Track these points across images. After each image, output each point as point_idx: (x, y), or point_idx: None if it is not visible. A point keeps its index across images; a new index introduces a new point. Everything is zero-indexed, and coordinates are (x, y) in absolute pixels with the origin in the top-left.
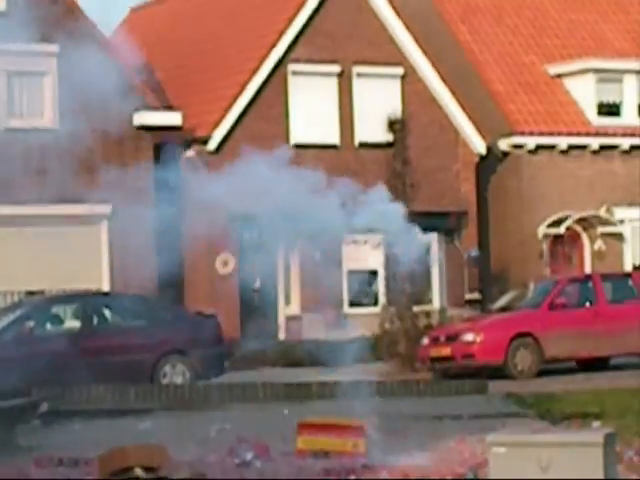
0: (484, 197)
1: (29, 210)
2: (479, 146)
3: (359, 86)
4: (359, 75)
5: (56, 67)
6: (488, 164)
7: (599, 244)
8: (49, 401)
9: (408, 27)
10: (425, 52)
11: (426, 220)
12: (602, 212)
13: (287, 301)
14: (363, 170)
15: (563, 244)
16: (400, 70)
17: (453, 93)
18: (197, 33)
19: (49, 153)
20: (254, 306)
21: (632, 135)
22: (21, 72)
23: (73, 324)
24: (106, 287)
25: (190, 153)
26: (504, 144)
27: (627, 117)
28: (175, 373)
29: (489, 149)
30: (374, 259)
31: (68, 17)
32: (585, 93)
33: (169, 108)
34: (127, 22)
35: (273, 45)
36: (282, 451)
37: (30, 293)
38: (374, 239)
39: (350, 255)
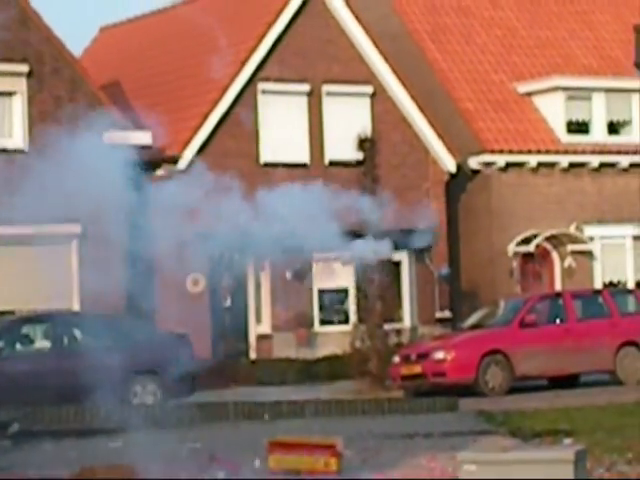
0: (454, 215)
1: None
2: (449, 164)
3: (329, 105)
4: (329, 94)
5: (25, 87)
6: (458, 182)
7: (569, 261)
8: (19, 421)
9: (378, 46)
10: (395, 71)
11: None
12: (572, 230)
13: (258, 320)
14: (333, 189)
15: (533, 262)
16: (370, 89)
17: (423, 111)
18: (167, 51)
19: (18, 173)
20: (225, 325)
21: (601, 153)
22: None
23: (43, 344)
24: (76, 307)
25: (160, 172)
26: (474, 162)
27: (596, 135)
28: (146, 393)
29: (459, 167)
30: (345, 277)
31: (37, 37)
32: (554, 111)
33: (139, 127)
34: (97, 41)
35: (243, 63)
36: (253, 470)
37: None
38: (345, 256)
39: (321, 273)
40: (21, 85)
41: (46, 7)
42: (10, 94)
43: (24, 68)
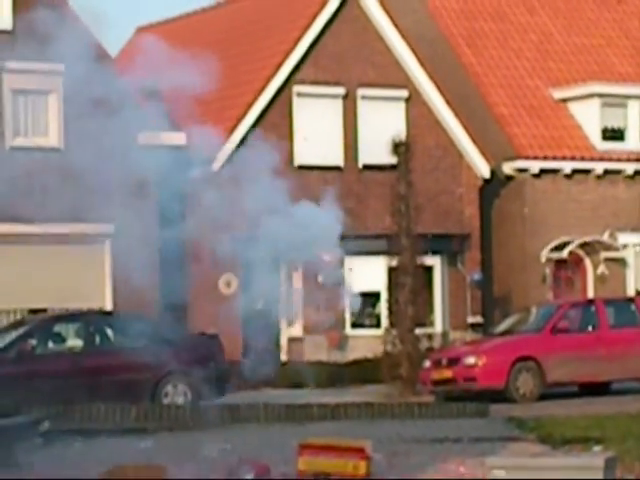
0: (487, 220)
1: (33, 229)
2: (483, 169)
3: (364, 108)
4: (364, 97)
5: (61, 86)
6: (492, 188)
7: (602, 269)
8: (50, 419)
9: (413, 50)
10: (430, 75)
11: (429, 242)
12: (605, 237)
13: (289, 322)
14: (366, 192)
15: (566, 268)
16: (405, 93)
17: (457, 116)
18: (203, 53)
19: (53, 172)
20: (256, 327)
21: (636, 160)
22: (26, 90)
23: (75, 343)
24: (109, 306)
25: (194, 173)
26: (508, 168)
27: (631, 142)
28: (177, 393)
29: (493, 173)
30: (377, 281)
31: (74, 36)
32: (589, 117)
33: (174, 128)
34: (133, 42)
35: (279, 66)
36: (283, 472)
37: (33, 311)
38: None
39: (353, 277)
40: (57, 84)
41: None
42: (46, 93)
43: (60, 67)
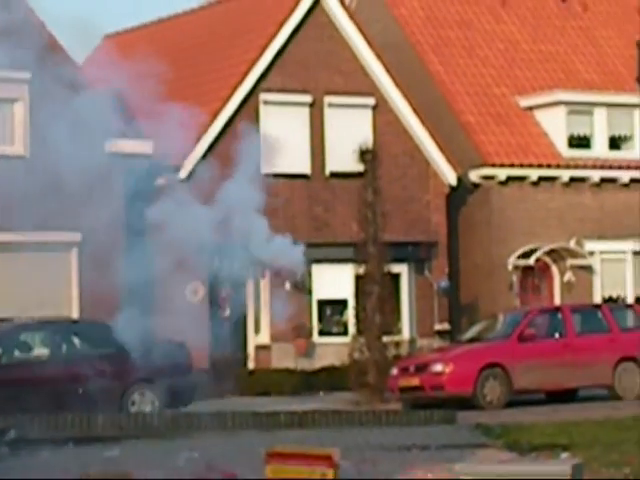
0: (454, 228)
1: None
2: (450, 177)
3: (330, 116)
4: (330, 105)
5: (27, 94)
6: (459, 195)
7: (569, 276)
8: (17, 429)
9: (380, 58)
10: (397, 83)
11: (396, 250)
12: (572, 244)
13: (257, 330)
14: (334, 200)
15: (533, 275)
16: (372, 100)
17: (424, 124)
18: (170, 61)
19: (19, 180)
20: (224, 335)
21: (602, 167)
22: None
23: (41, 352)
24: (75, 315)
25: (161, 181)
26: (475, 175)
27: (597, 149)
28: (144, 401)
29: (460, 180)
30: (344, 289)
31: (40, 44)
32: (555, 125)
33: (140, 136)
34: (101, 49)
35: (245, 74)
36: None
37: None
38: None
39: (320, 284)
40: (23, 92)
41: (49, 14)
42: (12, 101)
43: (26, 75)
